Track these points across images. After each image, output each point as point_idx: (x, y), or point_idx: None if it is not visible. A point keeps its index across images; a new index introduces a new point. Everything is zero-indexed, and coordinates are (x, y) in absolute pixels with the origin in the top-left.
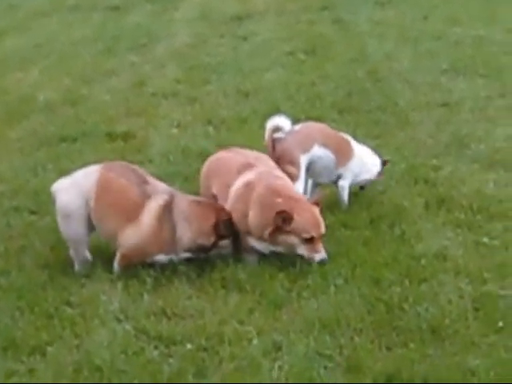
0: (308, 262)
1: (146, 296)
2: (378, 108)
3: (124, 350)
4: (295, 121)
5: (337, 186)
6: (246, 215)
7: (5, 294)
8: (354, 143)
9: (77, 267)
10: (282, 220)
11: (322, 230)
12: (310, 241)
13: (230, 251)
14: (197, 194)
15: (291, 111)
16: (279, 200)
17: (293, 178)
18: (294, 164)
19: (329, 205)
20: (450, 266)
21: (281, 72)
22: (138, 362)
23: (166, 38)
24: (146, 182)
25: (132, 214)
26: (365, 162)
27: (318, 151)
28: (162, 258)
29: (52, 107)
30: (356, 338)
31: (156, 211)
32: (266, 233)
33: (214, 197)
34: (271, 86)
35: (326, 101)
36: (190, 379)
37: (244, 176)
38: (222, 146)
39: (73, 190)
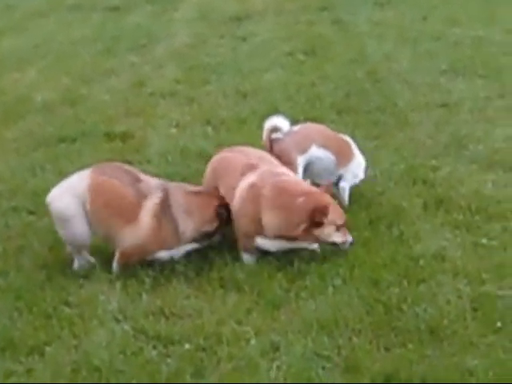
0: (339, 248)
1: (144, 296)
2: (377, 109)
3: (122, 350)
4: (294, 121)
5: (337, 188)
6: (255, 217)
7: (3, 295)
8: (353, 144)
9: (76, 265)
10: (320, 215)
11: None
12: (341, 226)
13: (221, 238)
14: None
15: (290, 112)
16: (300, 199)
17: None
18: (291, 165)
19: None
20: (448, 266)
21: (280, 72)
22: (137, 362)
23: (165, 38)
24: (138, 181)
25: (129, 214)
26: (361, 163)
27: (316, 152)
28: (162, 254)
29: (50, 107)
30: (354, 339)
31: (154, 210)
32: (299, 230)
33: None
34: (270, 86)
35: (325, 101)
36: (188, 379)
37: (247, 178)
38: (221, 146)
39: (67, 195)
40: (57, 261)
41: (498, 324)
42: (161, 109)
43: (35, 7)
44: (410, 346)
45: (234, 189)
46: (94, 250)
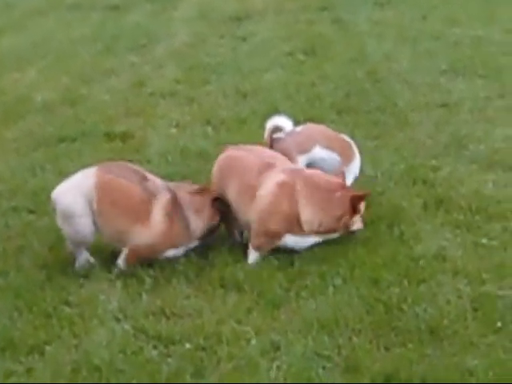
0: (353, 234)
1: (144, 296)
2: (377, 108)
3: (123, 349)
4: (294, 121)
5: None
6: (291, 215)
7: (3, 294)
8: (353, 144)
9: (77, 264)
10: (359, 203)
11: None
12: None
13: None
14: None
15: (290, 111)
16: (339, 193)
17: None
18: None
19: None
20: (448, 266)
21: (280, 72)
22: (137, 362)
23: (165, 37)
24: (145, 179)
25: (139, 213)
26: (359, 162)
27: (320, 153)
28: (171, 252)
29: (50, 107)
30: (354, 339)
31: (165, 208)
32: (341, 223)
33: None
34: (270, 86)
35: (325, 101)
36: (188, 379)
37: (270, 177)
38: (222, 146)
39: (73, 191)
40: (57, 260)
41: (499, 324)
42: (161, 109)
43: (34, 6)
44: (410, 345)
45: (251, 188)
46: (94, 250)
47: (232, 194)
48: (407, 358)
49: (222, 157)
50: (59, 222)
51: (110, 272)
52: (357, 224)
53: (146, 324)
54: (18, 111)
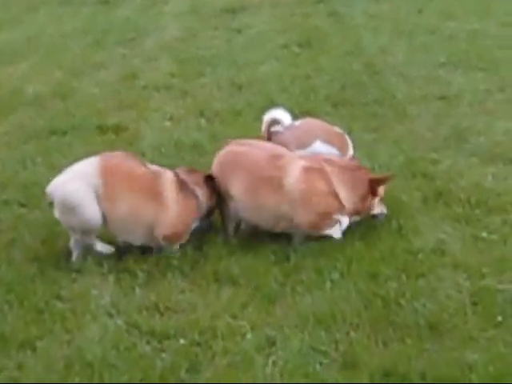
0: (377, 219)
1: (137, 290)
2: (374, 101)
3: (116, 345)
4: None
5: None
6: (333, 193)
7: None
8: (347, 136)
9: (74, 258)
10: (380, 183)
11: None
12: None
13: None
14: None
15: (285, 104)
16: (361, 172)
17: None
18: None
19: None
20: (447, 260)
21: (275, 65)
22: (130, 358)
23: (155, 31)
24: (145, 164)
25: (151, 190)
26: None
27: (320, 148)
28: (195, 225)
29: (41, 100)
30: (352, 334)
31: (175, 185)
32: (366, 202)
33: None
34: (265, 78)
35: (320, 94)
36: (183, 374)
37: (291, 164)
38: (216, 139)
39: (74, 180)
40: (49, 254)
41: (499, 318)
42: (154, 102)
43: (28, 1)
44: (409, 340)
45: (269, 180)
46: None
47: (237, 190)
48: (406, 353)
49: (222, 153)
50: (60, 215)
51: (102, 266)
52: (378, 207)
53: (140, 319)
54: (9, 104)
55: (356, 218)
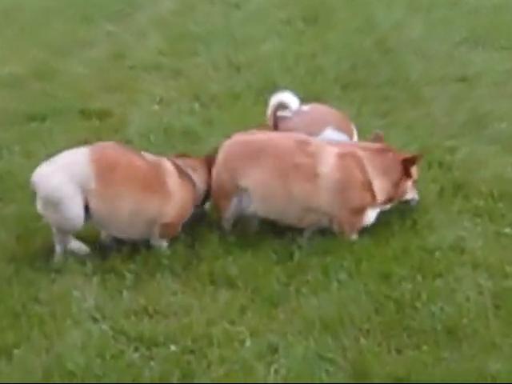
0: (409, 205)
1: (125, 292)
2: (386, 82)
3: (100, 352)
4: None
5: None
6: (368, 186)
7: None
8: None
9: (57, 253)
10: (412, 164)
11: None
12: (414, 182)
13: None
14: None
15: (289, 86)
16: (391, 154)
17: None
18: None
19: None
20: (467, 259)
21: (277, 42)
22: (117, 366)
23: (148, 4)
24: (138, 153)
25: (153, 184)
26: None
27: (331, 135)
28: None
29: (19, 82)
30: (362, 340)
31: (175, 173)
32: (400, 186)
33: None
34: (267, 57)
35: (327, 75)
36: None
37: (324, 151)
38: (211, 125)
39: (61, 174)
40: (26, 253)
41: None
42: (143, 83)
43: None
44: (425, 347)
45: (298, 167)
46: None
47: (254, 181)
48: (421, 361)
49: (230, 142)
50: (41, 208)
51: (85, 266)
52: (410, 193)
53: (127, 324)
54: None
55: (387, 207)
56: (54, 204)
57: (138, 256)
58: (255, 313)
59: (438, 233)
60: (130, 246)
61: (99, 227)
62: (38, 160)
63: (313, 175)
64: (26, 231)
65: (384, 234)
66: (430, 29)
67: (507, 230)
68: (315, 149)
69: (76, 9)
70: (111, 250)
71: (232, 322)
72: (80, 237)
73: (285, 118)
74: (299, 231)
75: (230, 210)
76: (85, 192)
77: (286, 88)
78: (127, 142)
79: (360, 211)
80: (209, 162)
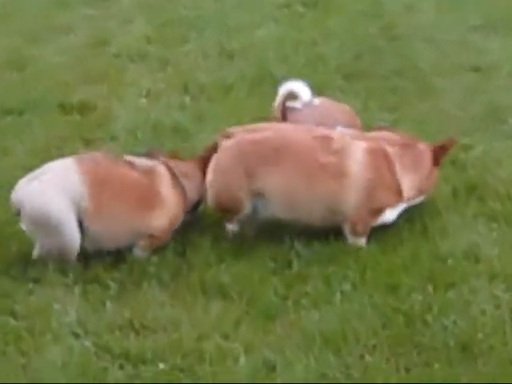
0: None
1: (108, 304)
2: (393, 73)
3: (82, 371)
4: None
5: None
6: (395, 185)
7: None
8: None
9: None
10: (444, 153)
11: None
12: None
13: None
14: None
15: (287, 76)
16: (421, 146)
17: None
18: None
19: None
20: (482, 268)
21: (274, 28)
22: None
23: None
24: (128, 162)
25: (150, 198)
26: None
27: None
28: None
29: None
30: (367, 357)
31: (169, 181)
32: (430, 178)
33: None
34: (262, 45)
35: (329, 64)
36: None
37: (350, 147)
38: (202, 119)
39: (53, 190)
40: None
41: None
42: (128, 74)
43: None
44: (437, 365)
45: (325, 167)
46: None
47: (275, 184)
48: (433, 380)
49: (237, 143)
50: (30, 230)
51: (66, 275)
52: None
53: (111, 340)
54: None
55: (417, 200)
56: (46, 227)
57: (122, 264)
58: (250, 326)
59: (450, 239)
60: (113, 253)
61: (88, 245)
62: (15, 157)
63: (340, 174)
64: (0, 237)
65: (391, 241)
66: (442, 13)
67: None
68: (340, 145)
69: None
70: (94, 257)
71: (225, 337)
72: None
73: (294, 109)
74: (298, 236)
75: (241, 215)
76: (78, 210)
77: (282, 78)
78: (112, 139)
79: (379, 211)
80: (202, 165)
